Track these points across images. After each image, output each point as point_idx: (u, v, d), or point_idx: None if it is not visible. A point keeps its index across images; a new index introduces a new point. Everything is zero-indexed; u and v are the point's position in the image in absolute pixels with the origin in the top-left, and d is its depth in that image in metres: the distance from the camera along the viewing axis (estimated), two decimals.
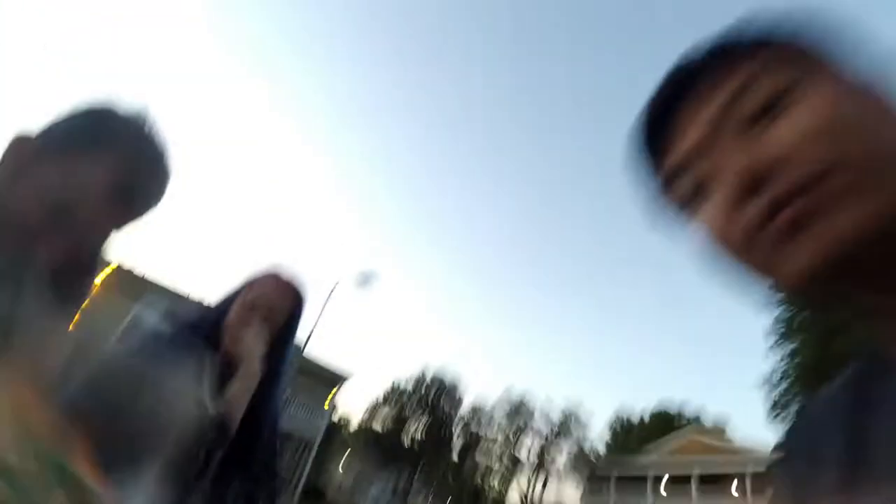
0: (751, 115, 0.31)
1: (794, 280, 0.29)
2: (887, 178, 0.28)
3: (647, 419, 40.48)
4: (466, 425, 22.62)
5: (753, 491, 18.95)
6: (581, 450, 24.77)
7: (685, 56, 0.35)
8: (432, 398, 21.45)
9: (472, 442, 25.42)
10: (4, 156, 0.59)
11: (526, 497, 26.13)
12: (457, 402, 22.04)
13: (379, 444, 21.33)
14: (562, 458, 26.12)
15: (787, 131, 0.29)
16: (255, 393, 0.99)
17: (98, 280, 0.73)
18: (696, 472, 21.20)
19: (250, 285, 1.08)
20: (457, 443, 22.62)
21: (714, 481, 20.58)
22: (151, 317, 1.04)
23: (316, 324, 13.98)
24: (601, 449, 35.70)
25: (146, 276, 13.96)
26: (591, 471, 24.48)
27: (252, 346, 1.00)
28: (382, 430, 21.56)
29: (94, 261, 0.70)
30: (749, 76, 0.31)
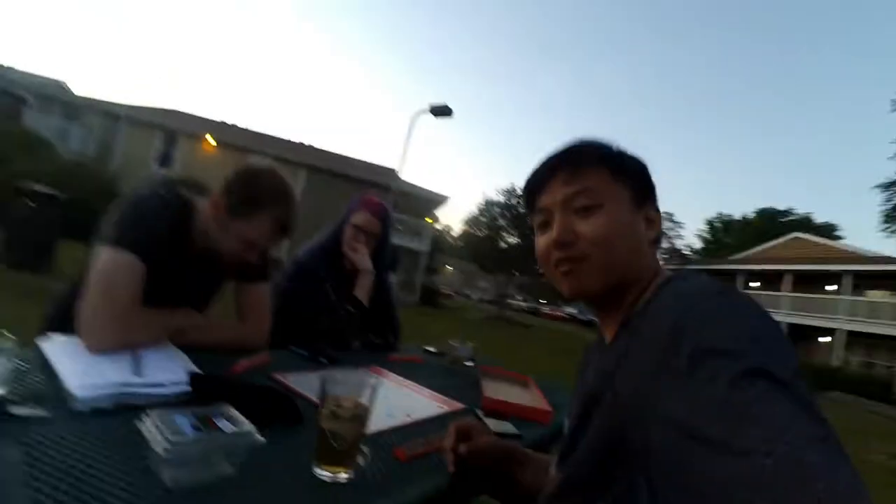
0: (575, 208, 0.60)
1: (563, 295, 0.64)
2: (609, 270, 0.59)
3: (750, 219, 38.88)
4: None
5: (854, 291, 18.37)
6: (672, 246, 25.11)
7: (554, 154, 0.65)
8: (523, 207, 22.46)
9: None
10: (209, 210, 1.06)
11: None
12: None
13: (478, 250, 23.53)
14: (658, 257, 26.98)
15: (585, 227, 0.59)
16: (374, 280, 1.60)
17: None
18: (794, 269, 20.64)
19: (351, 212, 1.59)
20: None
21: (811, 281, 20.06)
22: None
23: (405, 153, 14.75)
24: (696, 245, 35.88)
25: None
26: (680, 266, 25.15)
27: (363, 254, 1.57)
28: (479, 238, 23.48)
29: (266, 258, 1.24)
30: (582, 187, 0.60)
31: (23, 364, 0.74)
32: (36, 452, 0.54)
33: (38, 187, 5.90)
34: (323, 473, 0.62)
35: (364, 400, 0.65)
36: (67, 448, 0.57)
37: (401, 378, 1.24)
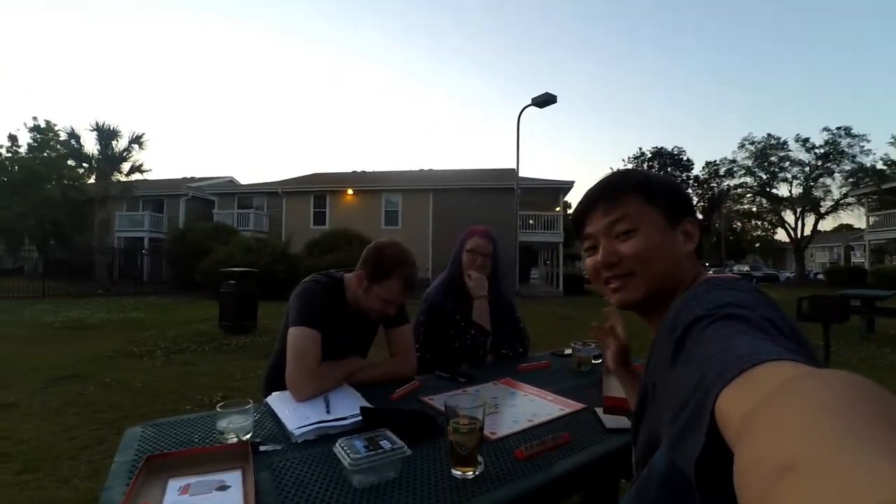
0: (616, 233, 0.71)
1: (613, 304, 0.75)
2: (651, 281, 0.69)
3: None
4: (704, 182, 21.15)
5: None
6: (861, 166, 20.42)
7: (594, 188, 0.76)
8: (656, 170, 20.59)
9: (717, 195, 24.02)
10: (355, 281, 1.43)
11: (794, 233, 24.07)
12: (685, 166, 20.60)
13: None
14: (835, 182, 22.44)
15: (628, 247, 0.69)
16: (492, 295, 1.80)
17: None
18: None
19: (463, 242, 1.83)
20: (698, 204, 21.74)
21: None
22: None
23: (518, 149, 14.81)
24: (892, 157, 28.71)
25: None
26: (877, 185, 20.23)
27: (476, 281, 1.79)
28: None
29: (402, 307, 1.54)
30: (621, 215, 0.70)
31: (258, 415, 1.12)
32: (278, 473, 0.86)
33: (237, 269, 7.46)
34: (456, 473, 0.83)
35: (479, 415, 0.85)
36: (295, 468, 0.88)
37: (527, 386, 1.41)
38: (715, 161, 22.92)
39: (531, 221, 19.39)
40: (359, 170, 25.79)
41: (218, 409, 0.98)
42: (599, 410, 1.19)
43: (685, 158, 21.23)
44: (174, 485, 0.78)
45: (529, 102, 13.89)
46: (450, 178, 21.10)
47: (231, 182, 24.74)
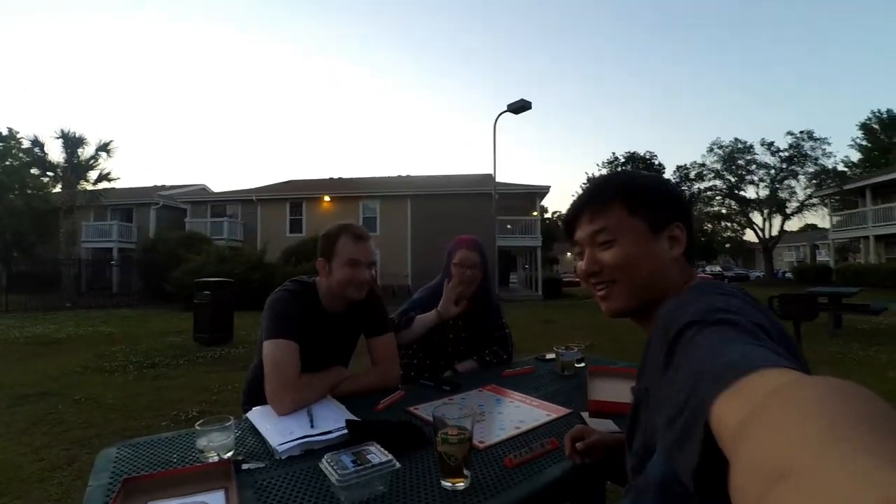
0: (597, 242, 0.72)
1: (603, 312, 0.76)
2: (633, 289, 0.70)
3: None
4: (676, 185, 21.75)
5: None
6: (823, 168, 21.34)
7: (581, 196, 0.77)
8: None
9: (687, 198, 24.58)
10: (321, 273, 1.41)
11: (763, 233, 24.93)
12: (657, 170, 21.12)
13: None
14: (800, 184, 23.41)
15: (608, 256, 0.71)
16: (479, 301, 1.80)
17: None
18: None
19: (451, 255, 1.82)
20: None
21: None
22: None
23: (495, 155, 14.93)
24: (855, 157, 30.15)
25: None
26: (839, 186, 21.19)
27: (468, 287, 1.79)
28: None
29: (384, 313, 1.57)
30: (601, 226, 0.72)
31: (239, 432, 1.08)
32: (262, 492, 0.83)
33: (212, 279, 7.28)
34: (446, 484, 0.82)
35: (467, 425, 0.84)
36: (280, 486, 0.85)
37: (513, 392, 1.41)
38: (685, 165, 23.65)
39: (509, 226, 19.55)
40: (335, 176, 25.61)
41: (197, 427, 0.95)
42: (585, 414, 1.20)
43: (657, 163, 21.83)
44: None
45: (505, 109, 14.04)
46: (428, 183, 21.11)
47: (204, 190, 24.20)
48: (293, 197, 20.28)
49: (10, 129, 18.90)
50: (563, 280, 22.92)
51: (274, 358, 1.26)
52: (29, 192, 17.94)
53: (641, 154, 21.33)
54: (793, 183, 23.91)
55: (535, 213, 20.27)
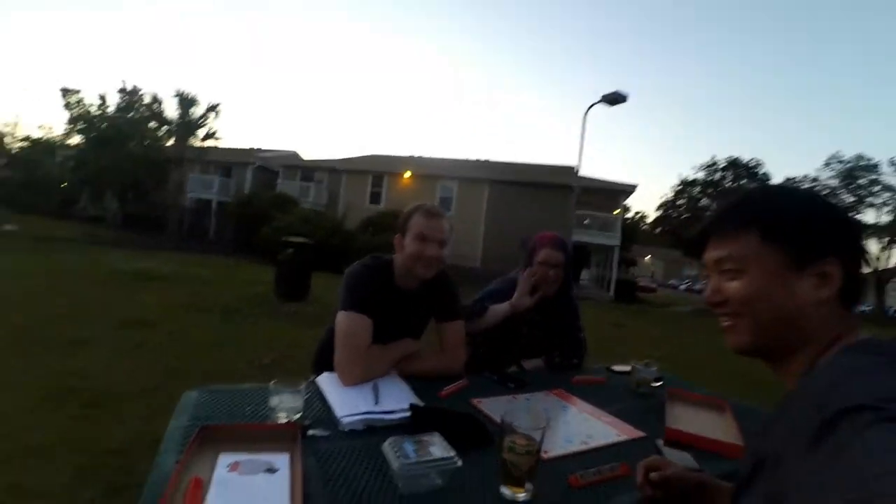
0: (723, 270, 0.63)
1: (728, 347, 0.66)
2: (757, 330, 0.60)
3: None
4: (843, 209, 19.46)
5: None
6: None
7: (711, 216, 0.68)
8: (729, 181, 19.22)
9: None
10: (396, 248, 1.41)
11: (877, 264, 21.85)
12: (761, 180, 19.01)
13: (679, 235, 21.11)
14: None
15: (732, 288, 0.62)
16: (557, 299, 1.74)
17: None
18: None
19: (534, 253, 1.75)
20: None
21: None
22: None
23: (581, 146, 14.33)
24: None
25: None
26: None
27: (551, 289, 1.73)
28: (680, 221, 21.05)
29: (457, 300, 1.55)
30: (726, 253, 0.63)
31: (308, 395, 1.12)
32: (324, 461, 0.85)
33: (295, 238, 7.74)
34: (505, 492, 0.78)
35: (537, 437, 0.79)
36: (342, 459, 0.86)
37: (582, 402, 1.33)
38: (795, 178, 21.12)
39: (586, 221, 18.81)
40: (416, 154, 25.98)
41: (271, 385, 0.99)
42: (660, 442, 1.10)
43: (762, 172, 19.64)
44: (224, 460, 0.78)
45: (598, 99, 13.34)
46: (507, 170, 20.80)
47: (295, 156, 25.66)
48: (375, 171, 20.92)
49: (134, 86, 21.22)
50: (638, 284, 21.78)
51: (345, 329, 1.28)
52: (146, 142, 20.14)
53: (745, 161, 19.34)
54: None
55: (616, 212, 19.31)
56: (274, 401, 0.98)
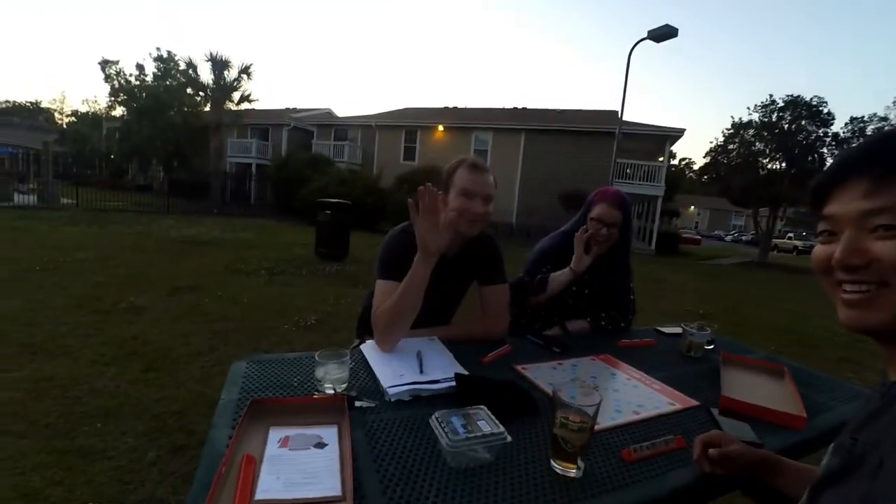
0: (872, 226, 0.49)
1: (841, 321, 0.54)
2: None
3: None
4: (845, 141, 17.83)
5: None
6: None
7: (858, 149, 0.52)
8: (788, 123, 17.66)
9: None
10: (441, 203, 1.33)
11: None
12: (824, 120, 17.39)
13: (728, 183, 19.88)
14: None
15: (884, 249, 0.48)
16: (613, 258, 1.70)
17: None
18: None
19: (591, 206, 1.64)
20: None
21: None
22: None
23: (625, 89, 13.50)
24: None
25: None
26: None
27: (602, 248, 1.66)
28: (730, 167, 19.76)
29: (500, 264, 1.51)
30: (886, 204, 0.47)
31: (353, 363, 1.13)
32: (372, 433, 0.85)
33: (332, 199, 7.83)
34: (556, 467, 0.77)
35: (590, 413, 0.76)
36: (389, 430, 0.86)
37: (631, 368, 1.29)
38: (862, 117, 19.19)
39: (628, 171, 18.00)
40: (450, 106, 25.36)
41: (317, 357, 0.99)
42: (716, 412, 1.05)
43: (825, 111, 17.88)
44: (275, 435, 0.80)
45: (645, 36, 12.39)
46: (544, 118, 19.98)
47: (329, 114, 25.54)
48: (408, 125, 20.58)
49: (168, 52, 21.43)
50: (681, 236, 20.96)
51: (380, 299, 1.27)
52: (185, 109, 20.55)
53: (807, 99, 17.67)
54: None
55: (661, 159, 18.35)
56: (319, 372, 0.99)
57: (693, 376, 1.27)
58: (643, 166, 17.56)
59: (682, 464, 0.83)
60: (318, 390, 0.99)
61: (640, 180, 17.61)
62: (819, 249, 0.55)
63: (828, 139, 17.67)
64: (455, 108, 24.67)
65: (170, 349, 3.17)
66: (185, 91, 20.31)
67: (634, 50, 12.97)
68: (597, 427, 0.91)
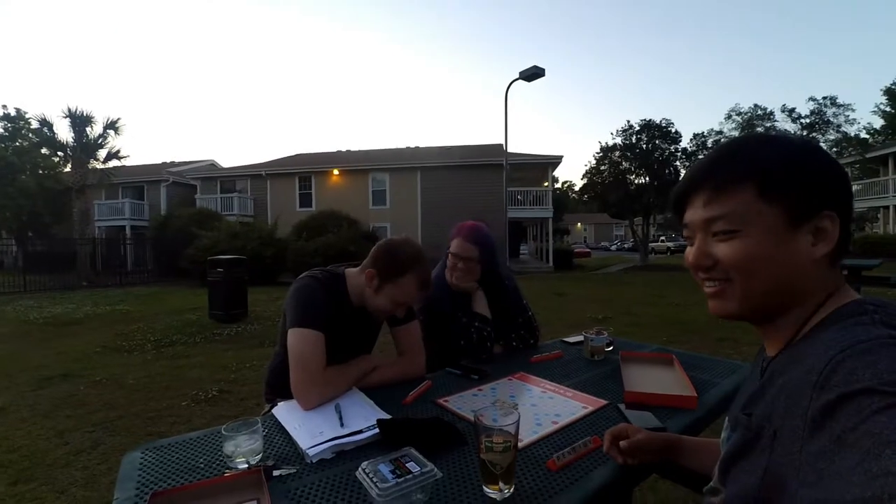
0: (713, 231, 0.58)
1: (708, 310, 0.64)
2: (752, 295, 0.57)
3: None
4: (692, 154, 21.10)
5: None
6: (845, 135, 20.53)
7: (700, 166, 0.61)
8: (645, 143, 20.47)
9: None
10: (366, 281, 1.32)
11: None
12: (673, 138, 20.46)
13: (605, 199, 22.14)
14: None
15: (725, 250, 0.57)
16: (492, 289, 1.73)
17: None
18: None
19: (450, 241, 1.70)
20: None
21: None
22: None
23: (506, 125, 14.58)
24: (878, 124, 29.26)
25: None
26: (860, 155, 20.48)
27: (459, 278, 1.67)
28: (605, 186, 22.09)
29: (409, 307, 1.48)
30: (720, 213, 0.57)
31: (266, 431, 1.05)
32: (297, 499, 0.79)
33: (224, 256, 7.29)
34: (490, 492, 0.78)
35: (512, 430, 0.78)
36: (316, 493, 0.81)
37: (544, 381, 1.36)
38: (702, 133, 22.89)
39: (519, 197, 19.30)
40: (344, 149, 25.34)
41: (223, 431, 0.91)
42: (622, 406, 1.15)
43: (673, 131, 21.04)
44: None
45: (517, 77, 13.62)
46: (437, 155, 20.81)
47: (213, 166, 24.11)
48: (302, 171, 20.12)
49: (17, 110, 18.86)
50: (574, 251, 22.74)
51: (299, 350, 1.21)
52: (41, 172, 18.04)
53: (657, 122, 20.64)
54: None
55: (545, 184, 19.95)
56: (229, 447, 0.90)
57: (600, 378, 1.38)
58: (532, 192, 18.97)
59: (603, 461, 0.89)
60: (229, 467, 0.90)
61: (530, 205, 18.98)
62: (687, 251, 0.65)
63: (679, 153, 20.57)
64: (349, 151, 24.68)
65: (43, 453, 2.66)
66: (40, 151, 17.85)
67: (511, 88, 14.17)
68: (521, 443, 0.94)
